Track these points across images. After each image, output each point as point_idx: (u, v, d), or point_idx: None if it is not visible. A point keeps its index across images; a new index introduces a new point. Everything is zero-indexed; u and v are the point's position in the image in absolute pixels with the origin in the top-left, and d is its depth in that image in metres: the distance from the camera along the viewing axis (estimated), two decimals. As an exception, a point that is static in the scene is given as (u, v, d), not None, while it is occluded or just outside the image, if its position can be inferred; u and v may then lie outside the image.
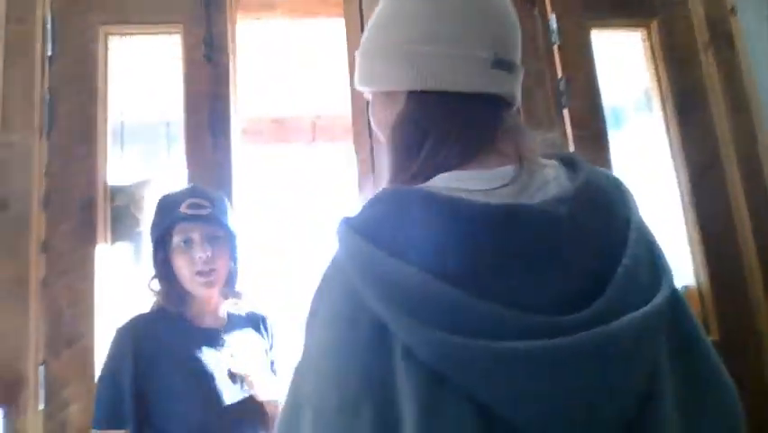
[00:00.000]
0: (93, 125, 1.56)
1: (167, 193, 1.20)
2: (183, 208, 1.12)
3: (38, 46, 1.55)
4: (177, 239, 1.13)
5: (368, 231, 0.49)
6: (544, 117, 1.68)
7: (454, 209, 0.47)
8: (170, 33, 1.65)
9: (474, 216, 0.47)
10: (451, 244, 0.46)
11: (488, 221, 0.47)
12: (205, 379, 1.11)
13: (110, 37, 1.63)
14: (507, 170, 0.52)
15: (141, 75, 1.67)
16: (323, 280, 0.53)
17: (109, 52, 1.63)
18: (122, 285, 1.55)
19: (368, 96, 0.65)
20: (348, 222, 0.51)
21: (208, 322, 1.19)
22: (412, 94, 0.57)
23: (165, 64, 1.67)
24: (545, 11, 1.73)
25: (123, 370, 1.08)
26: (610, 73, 1.82)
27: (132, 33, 1.65)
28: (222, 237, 1.16)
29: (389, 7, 0.61)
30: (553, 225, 0.48)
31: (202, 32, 1.60)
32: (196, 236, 1.13)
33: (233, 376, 1.14)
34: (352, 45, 1.64)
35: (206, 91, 1.59)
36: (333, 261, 0.52)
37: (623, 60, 1.90)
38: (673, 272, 0.51)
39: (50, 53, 1.56)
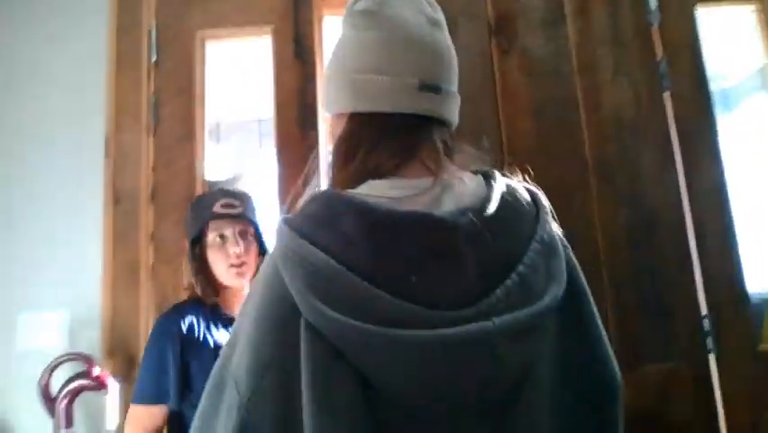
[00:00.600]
0: (192, 125, 1.66)
1: (200, 195, 1.33)
2: (217, 208, 1.22)
3: (144, 53, 1.67)
4: (211, 236, 1.23)
5: (297, 225, 0.57)
6: (636, 103, 1.57)
7: (366, 212, 0.56)
8: (261, 34, 1.72)
9: (381, 220, 0.56)
10: (362, 241, 0.55)
11: (392, 225, 0.56)
12: None
13: (206, 41, 1.73)
14: (425, 181, 0.61)
15: (235, 76, 1.75)
16: (260, 269, 0.62)
17: (206, 56, 1.73)
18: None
19: (327, 120, 0.75)
20: (284, 218, 0.59)
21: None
22: (352, 115, 0.67)
23: (256, 64, 1.74)
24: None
25: (167, 350, 1.17)
26: (718, 52, 1.67)
27: (226, 37, 1.74)
28: (251, 233, 1.26)
29: (341, 40, 0.70)
30: (451, 232, 0.56)
31: (291, 32, 1.65)
32: (228, 233, 1.23)
33: None
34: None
35: (295, 88, 1.64)
36: (266, 259, 0.62)
37: (732, 37, 1.73)
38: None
39: (154, 59, 1.68)
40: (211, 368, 1.12)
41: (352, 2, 0.70)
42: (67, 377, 1.41)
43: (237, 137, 1.72)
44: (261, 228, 1.30)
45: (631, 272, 1.50)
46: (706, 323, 1.45)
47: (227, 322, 1.25)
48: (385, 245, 0.55)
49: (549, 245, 0.61)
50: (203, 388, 1.05)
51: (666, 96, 1.58)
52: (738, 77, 1.74)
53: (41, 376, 1.44)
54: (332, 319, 0.52)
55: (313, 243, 0.55)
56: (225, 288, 1.25)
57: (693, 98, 1.58)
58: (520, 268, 0.58)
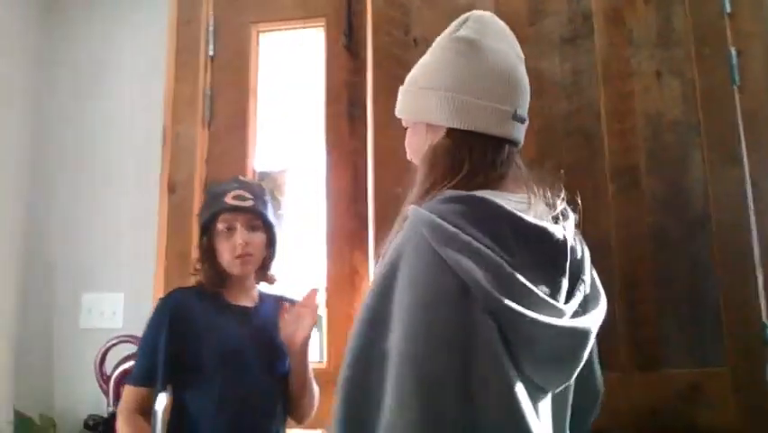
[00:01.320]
0: (245, 117, 1.69)
1: (215, 184, 1.33)
2: (228, 199, 1.22)
3: (202, 46, 1.72)
4: (221, 226, 1.23)
5: (446, 217, 0.66)
6: (713, 92, 1.48)
7: (515, 220, 0.68)
8: (314, 27, 1.73)
9: (528, 229, 0.69)
10: (515, 246, 0.67)
11: (535, 234, 0.70)
12: (231, 350, 1.19)
13: (261, 34, 1.76)
14: (520, 196, 0.73)
15: (288, 68, 1.78)
16: (397, 252, 0.67)
17: (259, 48, 1.76)
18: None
19: (407, 123, 0.87)
20: (425, 211, 0.68)
21: (241, 300, 1.28)
22: (451, 130, 0.78)
23: (308, 57, 1.76)
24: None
25: (160, 335, 1.16)
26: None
27: (280, 29, 1.77)
28: (260, 227, 1.26)
29: (438, 57, 0.82)
30: (561, 246, 0.72)
31: (343, 24, 1.66)
32: (237, 224, 1.23)
33: (269, 348, 1.22)
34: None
35: (346, 80, 1.65)
36: (410, 237, 0.67)
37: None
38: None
39: (211, 53, 1.73)
40: (209, 352, 1.15)
41: (455, 28, 0.82)
42: (121, 357, 1.48)
43: (288, 128, 1.74)
44: (272, 221, 1.29)
45: (684, 275, 1.41)
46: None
47: (230, 310, 1.25)
48: (532, 251, 0.68)
49: (588, 260, 0.79)
50: (200, 371, 1.13)
51: (733, 90, 1.48)
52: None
53: (96, 356, 1.51)
54: (506, 308, 0.62)
55: (464, 231, 0.65)
56: (230, 277, 1.26)
57: (763, 92, 1.47)
58: (584, 277, 0.76)
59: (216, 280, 1.25)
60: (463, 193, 0.70)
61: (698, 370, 1.36)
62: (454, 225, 0.65)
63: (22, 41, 1.81)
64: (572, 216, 0.78)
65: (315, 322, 1.24)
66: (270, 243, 1.29)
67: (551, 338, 0.65)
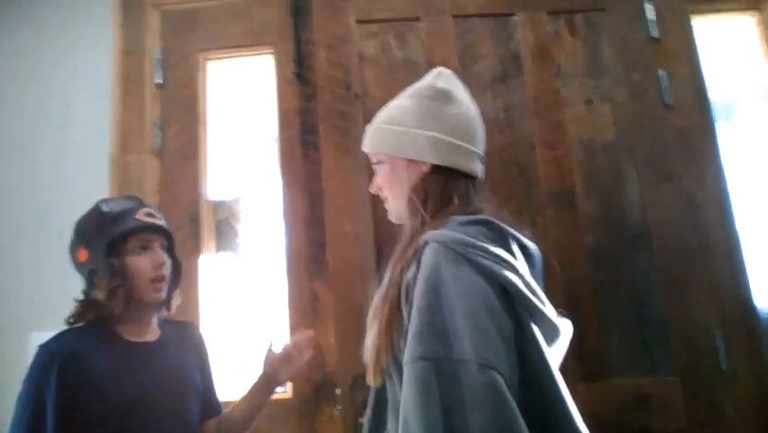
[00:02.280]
0: (196, 145, 1.68)
1: (108, 200, 1.16)
2: (141, 216, 1.11)
3: (147, 75, 1.70)
4: (134, 245, 1.09)
5: (472, 235, 0.77)
6: (645, 113, 1.57)
7: (518, 239, 0.83)
8: (262, 54, 1.74)
9: (527, 248, 0.85)
10: (522, 262, 0.81)
11: (531, 252, 0.85)
12: (134, 400, 1.03)
13: (208, 62, 1.75)
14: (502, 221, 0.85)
15: (237, 95, 1.77)
16: (433, 274, 0.73)
17: (207, 76, 1.75)
18: (224, 292, 1.64)
19: (380, 158, 0.95)
20: (450, 233, 0.78)
21: (142, 335, 1.13)
22: (436, 166, 0.89)
23: (258, 84, 1.76)
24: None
25: (45, 393, 0.99)
26: (719, 62, 1.68)
27: (228, 57, 1.76)
28: (167, 249, 1.16)
29: (418, 102, 0.92)
30: (539, 260, 0.88)
31: (291, 51, 1.67)
32: (154, 244, 1.12)
33: (179, 390, 1.11)
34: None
35: (297, 107, 1.66)
36: (443, 256, 0.74)
37: (733, 47, 1.74)
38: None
39: (158, 81, 1.71)
40: (109, 406, 0.98)
41: (432, 80, 0.94)
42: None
43: (240, 155, 1.74)
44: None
45: (626, 289, 1.49)
46: (717, 338, 1.44)
47: (131, 351, 1.08)
48: (528, 265, 0.82)
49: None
50: (98, 429, 0.99)
51: (662, 110, 1.58)
52: (738, 86, 1.74)
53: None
54: (536, 308, 0.75)
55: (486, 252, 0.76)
56: (133, 307, 1.10)
57: (693, 110, 1.58)
58: (541, 284, 0.85)
59: (128, 310, 1.08)
60: (476, 216, 0.81)
61: (646, 379, 1.44)
62: (481, 242, 0.76)
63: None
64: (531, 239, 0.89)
65: (303, 366, 1.19)
66: (175, 267, 1.18)
67: (558, 334, 0.79)
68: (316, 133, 1.61)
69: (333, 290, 1.50)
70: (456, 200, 0.87)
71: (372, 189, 0.99)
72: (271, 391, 1.20)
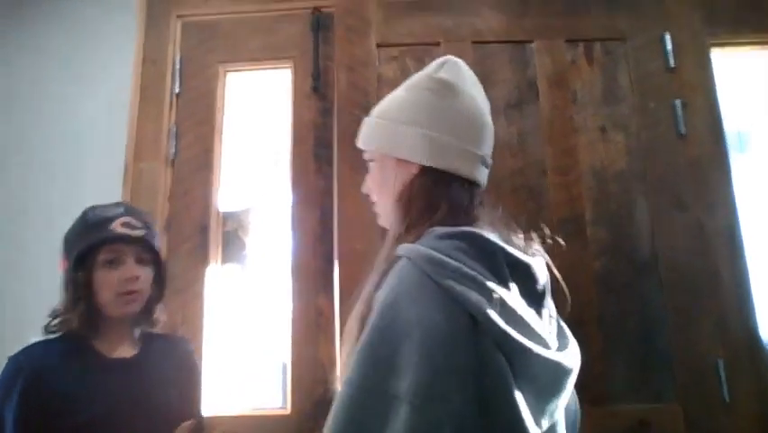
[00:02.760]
0: (210, 156, 1.69)
1: (96, 206, 1.11)
2: (116, 226, 1.05)
3: (167, 84, 1.72)
4: (104, 257, 1.04)
5: (446, 252, 0.67)
6: (658, 142, 1.57)
7: (507, 254, 0.70)
8: (281, 68, 1.76)
9: (518, 264, 0.71)
10: (510, 281, 0.70)
11: (523, 269, 0.72)
12: (101, 420, 0.98)
13: (228, 74, 1.77)
14: (497, 234, 0.74)
15: (254, 108, 1.79)
16: (396, 292, 0.66)
17: (226, 87, 1.77)
18: (229, 304, 1.63)
19: (372, 156, 0.85)
20: (422, 247, 0.68)
21: (118, 351, 1.08)
22: (426, 168, 0.78)
23: (275, 97, 1.77)
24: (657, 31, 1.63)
25: (6, 406, 0.95)
26: (734, 94, 1.67)
27: (247, 69, 1.78)
28: (149, 261, 1.10)
29: (415, 94, 0.81)
30: (539, 279, 0.74)
31: (310, 66, 1.69)
32: (126, 257, 1.05)
33: (153, 409, 1.05)
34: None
35: (313, 121, 1.67)
36: (409, 274, 0.67)
37: (750, 80, 1.73)
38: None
39: (177, 91, 1.73)
40: (73, 425, 0.92)
41: (434, 69, 0.83)
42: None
43: (252, 168, 1.74)
44: (161, 255, 1.15)
45: (632, 316, 1.47)
46: (720, 368, 1.42)
47: (103, 367, 1.04)
48: (520, 285, 0.70)
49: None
50: None
51: (676, 139, 1.57)
52: (753, 117, 1.73)
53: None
54: (512, 340, 0.63)
55: (477, 272, 0.66)
56: (105, 321, 1.05)
57: (708, 140, 1.58)
58: (554, 313, 0.77)
59: (90, 325, 1.03)
60: (457, 229, 0.71)
61: (648, 406, 1.42)
62: (456, 260, 0.66)
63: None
64: (541, 255, 0.79)
65: None
66: (158, 280, 1.13)
67: (547, 372, 0.66)
68: (330, 148, 1.62)
69: (338, 306, 1.48)
70: (445, 208, 0.76)
71: (363, 189, 0.89)
72: None
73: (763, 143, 1.71)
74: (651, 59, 1.63)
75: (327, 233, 1.56)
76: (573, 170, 1.56)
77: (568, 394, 0.70)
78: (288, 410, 1.49)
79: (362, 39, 1.63)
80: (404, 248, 0.70)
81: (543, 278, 0.74)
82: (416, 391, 0.59)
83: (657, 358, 1.45)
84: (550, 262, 0.80)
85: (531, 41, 1.65)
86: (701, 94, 1.61)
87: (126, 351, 1.09)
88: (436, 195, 0.77)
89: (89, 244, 1.03)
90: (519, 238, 0.78)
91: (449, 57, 0.85)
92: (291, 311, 1.54)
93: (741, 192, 1.55)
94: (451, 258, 0.66)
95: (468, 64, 0.86)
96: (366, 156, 0.87)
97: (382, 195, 0.84)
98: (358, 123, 1.57)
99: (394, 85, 1.62)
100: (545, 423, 0.66)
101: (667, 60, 1.62)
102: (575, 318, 1.42)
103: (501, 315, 0.64)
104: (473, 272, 0.65)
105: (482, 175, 0.82)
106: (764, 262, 1.57)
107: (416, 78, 0.84)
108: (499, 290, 0.65)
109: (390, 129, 0.81)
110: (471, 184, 0.80)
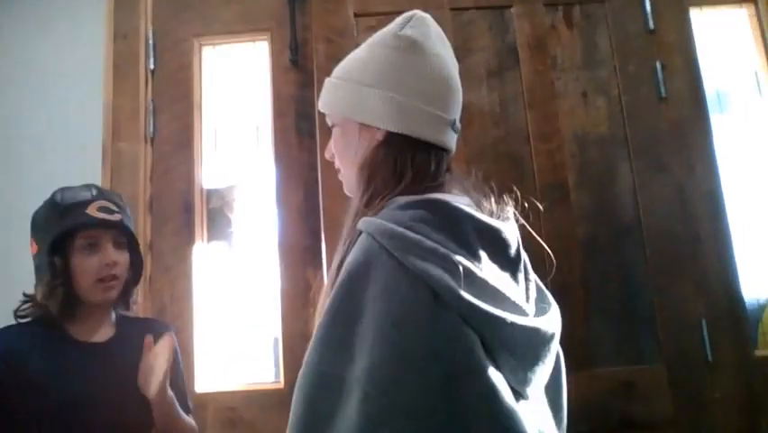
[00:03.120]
0: (190, 133, 1.66)
1: (65, 188, 1.08)
2: (92, 211, 1.03)
3: (141, 60, 1.67)
4: (81, 242, 1.02)
5: (407, 224, 0.63)
6: (639, 106, 1.58)
7: (478, 222, 0.67)
8: (258, 40, 1.72)
9: (489, 231, 0.68)
10: (474, 244, 0.65)
11: (495, 237, 0.69)
12: (71, 404, 0.98)
13: (203, 48, 1.73)
14: (466, 199, 0.72)
15: (232, 82, 1.75)
16: (354, 268, 0.63)
17: (202, 62, 1.73)
18: (217, 281, 1.63)
19: (334, 120, 0.80)
20: (381, 220, 0.65)
21: (92, 335, 1.07)
22: (392, 134, 0.73)
23: (253, 70, 1.74)
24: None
25: None
26: (712, 54, 1.68)
27: (223, 42, 1.74)
28: (125, 245, 1.08)
29: (378, 53, 0.75)
30: (512, 244, 0.71)
31: (287, 38, 1.65)
32: (104, 242, 1.04)
33: (125, 395, 1.02)
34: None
35: (292, 94, 1.64)
36: (368, 250, 0.63)
37: (727, 39, 1.74)
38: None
39: (152, 67, 1.68)
40: (42, 409, 0.92)
41: (398, 26, 0.76)
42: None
43: (234, 143, 1.72)
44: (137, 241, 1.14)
45: (616, 279, 1.50)
46: (703, 327, 1.46)
47: (76, 351, 1.03)
48: (491, 252, 0.67)
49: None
50: None
51: (657, 102, 1.58)
52: (732, 78, 1.74)
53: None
54: (481, 311, 0.60)
55: (439, 244, 0.62)
56: (81, 306, 1.05)
57: (688, 103, 1.59)
58: (531, 278, 0.74)
59: (69, 311, 1.02)
60: (420, 197, 0.67)
61: (632, 368, 1.46)
62: (417, 232, 0.62)
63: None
64: (513, 219, 0.76)
65: (168, 366, 1.02)
66: (134, 264, 1.12)
67: (526, 340, 0.64)
68: (312, 120, 1.60)
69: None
70: (410, 175, 0.71)
71: (327, 155, 0.84)
72: (159, 412, 1.04)
73: (743, 102, 1.72)
74: (630, 21, 1.62)
75: (313, 206, 1.55)
76: (556, 136, 1.56)
77: (552, 359, 0.68)
78: (281, 384, 1.51)
79: (339, 8, 1.60)
80: (364, 222, 0.66)
81: (514, 242, 0.71)
82: (368, 377, 0.56)
83: (640, 320, 1.48)
84: (528, 226, 0.79)
85: (510, 6, 1.62)
86: (681, 55, 1.61)
87: (101, 335, 1.08)
88: (402, 163, 0.72)
89: (67, 228, 1.01)
90: (490, 203, 0.74)
91: (415, 12, 0.78)
92: (280, 286, 1.55)
93: (722, 153, 1.57)
94: (412, 231, 0.62)
95: (446, 32, 0.81)
96: (328, 120, 0.81)
97: (345, 162, 0.79)
98: (339, 94, 1.58)
99: (373, 55, 1.62)
100: (531, 391, 0.65)
101: (646, 22, 1.61)
102: (559, 283, 1.45)
103: (468, 287, 0.60)
104: (435, 245, 0.62)
105: (451, 140, 0.77)
106: (746, 222, 1.60)
107: (380, 34, 0.77)
108: (465, 262, 0.62)
109: (352, 91, 0.75)
110: (440, 150, 0.75)
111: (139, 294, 1.20)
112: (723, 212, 1.53)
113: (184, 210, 1.61)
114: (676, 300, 1.48)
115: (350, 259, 0.64)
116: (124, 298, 1.13)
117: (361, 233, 0.66)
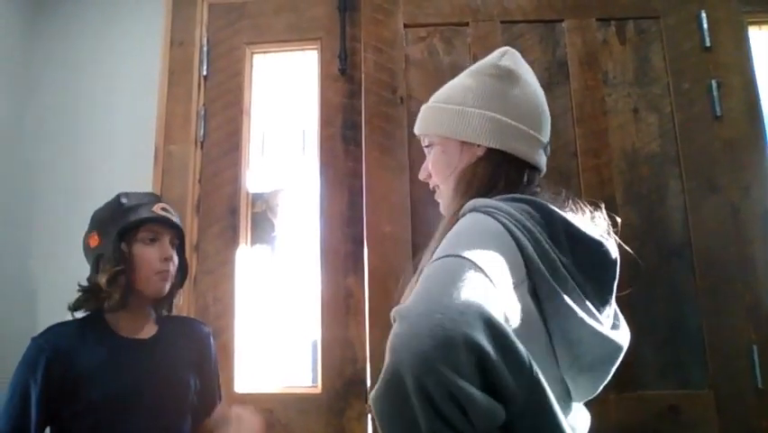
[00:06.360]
0: (239, 137, 1.70)
1: (128, 193, 1.19)
2: (157, 209, 1.14)
3: (195, 67, 1.73)
4: (143, 234, 1.12)
5: (510, 211, 0.69)
6: (693, 124, 1.54)
7: (569, 225, 0.72)
8: (308, 50, 1.75)
9: (579, 236, 0.73)
10: (564, 246, 0.71)
11: (583, 242, 0.74)
12: (119, 395, 1.05)
13: (255, 56, 1.77)
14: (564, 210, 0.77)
15: (281, 89, 1.79)
16: (457, 233, 0.67)
17: (253, 69, 1.77)
18: (258, 284, 1.65)
19: (433, 140, 0.88)
20: (486, 200, 0.73)
21: (137, 332, 1.14)
22: (491, 150, 0.81)
23: (302, 79, 1.77)
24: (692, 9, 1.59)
25: (30, 385, 1.01)
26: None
27: (274, 51, 1.78)
28: (177, 247, 1.18)
29: (480, 81, 0.85)
30: (612, 261, 0.77)
31: (337, 47, 1.68)
32: (163, 238, 1.14)
33: (168, 388, 1.12)
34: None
35: (340, 103, 1.67)
36: (474, 217, 0.70)
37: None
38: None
39: (204, 73, 1.74)
40: (92, 401, 1.00)
41: (496, 58, 0.87)
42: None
43: (280, 150, 1.75)
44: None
45: (663, 300, 1.46)
46: (754, 353, 1.41)
47: (122, 347, 1.10)
48: (582, 261, 0.71)
49: None
50: (81, 424, 1.01)
51: (711, 120, 1.54)
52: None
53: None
54: (558, 296, 0.66)
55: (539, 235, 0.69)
56: (134, 301, 1.12)
57: (744, 122, 1.54)
58: (612, 296, 0.77)
59: (123, 300, 1.09)
60: (520, 195, 0.74)
61: (679, 392, 1.41)
62: (524, 224, 0.69)
63: (6, 62, 1.78)
64: (613, 237, 0.80)
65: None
66: (180, 267, 1.20)
67: (593, 344, 0.68)
68: (358, 129, 1.61)
69: (368, 287, 1.49)
70: (503, 185, 0.79)
71: (421, 176, 0.91)
72: None
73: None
74: (686, 38, 1.58)
75: (356, 214, 1.57)
76: (604, 152, 1.54)
77: (611, 372, 0.74)
78: (318, 388, 1.52)
79: (390, 19, 1.62)
80: (469, 204, 0.73)
81: (617, 260, 0.76)
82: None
83: (688, 343, 1.44)
84: (619, 240, 0.82)
85: (561, 21, 1.61)
86: (738, 74, 1.57)
87: (144, 332, 1.15)
88: (498, 174, 0.80)
89: (137, 219, 1.10)
90: (584, 219, 0.78)
91: (507, 48, 0.89)
92: (321, 292, 1.56)
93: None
94: (516, 214, 0.69)
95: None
96: (425, 141, 0.89)
97: (443, 177, 0.86)
98: (385, 104, 1.60)
99: (421, 65, 1.64)
100: (582, 399, 0.71)
101: (703, 39, 1.58)
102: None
103: (552, 275, 0.66)
104: (533, 228, 0.68)
105: (542, 161, 0.84)
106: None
107: (479, 65, 0.88)
108: (552, 254, 0.68)
109: (455, 113, 0.84)
110: (533, 168, 0.83)
111: (181, 297, 1.28)
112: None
113: (229, 213, 1.65)
114: (726, 325, 1.43)
115: (453, 230, 0.69)
116: (169, 299, 1.20)
117: (463, 216, 0.72)
